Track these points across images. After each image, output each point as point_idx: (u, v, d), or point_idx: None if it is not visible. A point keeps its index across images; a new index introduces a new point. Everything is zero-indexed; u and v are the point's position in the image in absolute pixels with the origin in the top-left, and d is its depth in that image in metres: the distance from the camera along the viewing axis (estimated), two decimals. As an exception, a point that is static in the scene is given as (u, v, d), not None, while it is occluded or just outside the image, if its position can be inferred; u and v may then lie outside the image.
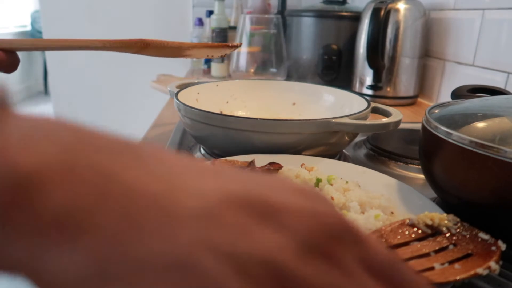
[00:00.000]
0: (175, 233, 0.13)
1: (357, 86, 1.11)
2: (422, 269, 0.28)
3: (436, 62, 1.08)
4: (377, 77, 1.05)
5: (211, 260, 0.13)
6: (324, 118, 0.50)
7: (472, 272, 0.28)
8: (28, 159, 0.13)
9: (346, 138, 0.55)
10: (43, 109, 4.73)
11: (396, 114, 0.55)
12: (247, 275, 0.13)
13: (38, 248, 0.13)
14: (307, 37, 1.20)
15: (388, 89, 1.06)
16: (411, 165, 0.60)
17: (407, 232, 0.33)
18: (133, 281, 0.13)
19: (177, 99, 0.58)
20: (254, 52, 1.20)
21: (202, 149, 0.64)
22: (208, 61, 1.48)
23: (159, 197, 0.14)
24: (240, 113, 0.75)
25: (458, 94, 0.64)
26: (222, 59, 1.35)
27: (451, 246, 0.31)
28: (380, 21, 0.98)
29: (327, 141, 0.53)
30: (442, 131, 0.38)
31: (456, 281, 0.27)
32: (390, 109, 0.58)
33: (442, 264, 0.29)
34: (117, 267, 0.13)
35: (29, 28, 5.26)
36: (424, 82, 1.13)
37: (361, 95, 0.66)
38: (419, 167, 0.58)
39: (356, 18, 1.12)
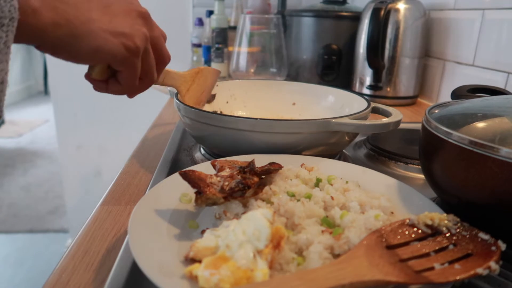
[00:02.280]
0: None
1: (357, 86, 1.11)
2: (422, 269, 0.28)
3: (436, 62, 1.08)
4: (377, 77, 1.05)
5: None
6: (324, 118, 0.50)
7: (472, 272, 0.28)
8: None
9: (346, 138, 0.55)
10: (43, 109, 4.72)
11: (396, 114, 0.55)
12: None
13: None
14: (307, 37, 1.20)
15: (388, 89, 1.06)
16: (411, 165, 0.60)
17: (407, 232, 0.33)
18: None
19: (177, 99, 0.58)
20: (254, 52, 1.20)
21: (202, 149, 0.64)
22: (208, 61, 1.48)
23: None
24: (240, 113, 0.75)
25: (458, 94, 0.64)
26: (222, 59, 1.35)
27: (451, 246, 0.31)
28: (380, 21, 0.98)
29: (327, 141, 0.53)
30: (442, 131, 0.38)
31: (456, 281, 0.27)
32: (390, 109, 0.58)
33: (442, 264, 0.29)
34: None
35: (29, 28, 5.25)
36: (424, 82, 1.13)
37: (361, 95, 0.66)
38: (419, 167, 0.58)
39: (356, 18, 1.12)
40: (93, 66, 0.43)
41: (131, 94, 0.47)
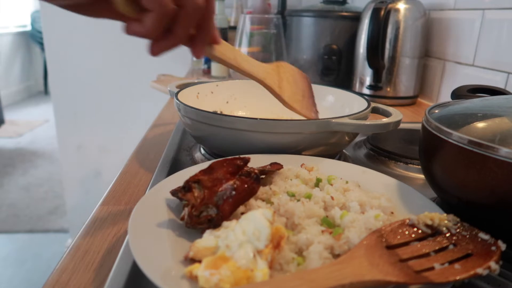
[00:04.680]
0: None
1: (357, 86, 1.11)
2: (422, 269, 0.28)
3: (436, 62, 1.08)
4: (377, 77, 1.05)
5: None
6: (324, 118, 0.50)
7: (472, 272, 0.28)
8: None
9: (346, 138, 0.55)
10: (43, 109, 4.72)
11: (396, 114, 0.55)
12: None
13: None
14: (307, 37, 1.20)
15: (388, 89, 1.06)
16: (411, 165, 0.60)
17: (407, 232, 0.33)
18: None
19: (177, 99, 0.58)
20: (254, 52, 1.20)
21: (202, 149, 0.64)
22: (208, 61, 1.48)
23: None
24: (240, 113, 0.75)
25: (458, 94, 0.64)
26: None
27: (451, 246, 0.31)
28: (380, 21, 0.98)
29: (327, 141, 0.53)
30: (442, 131, 0.38)
31: (456, 281, 0.27)
32: (390, 109, 0.58)
33: (442, 264, 0.29)
34: None
35: (29, 28, 5.26)
36: (424, 82, 1.13)
37: (361, 95, 0.66)
38: (419, 167, 0.58)
39: (356, 18, 1.12)
40: None
41: (153, 48, 0.40)
